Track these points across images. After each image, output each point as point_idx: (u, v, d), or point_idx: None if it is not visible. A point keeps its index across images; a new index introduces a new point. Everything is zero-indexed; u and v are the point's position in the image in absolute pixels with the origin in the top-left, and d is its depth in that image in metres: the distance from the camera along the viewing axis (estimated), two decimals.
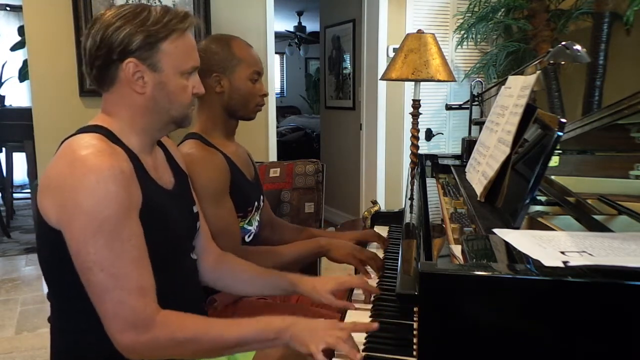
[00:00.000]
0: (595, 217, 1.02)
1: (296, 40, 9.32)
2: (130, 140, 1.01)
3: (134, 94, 0.99)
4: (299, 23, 8.36)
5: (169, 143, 1.19)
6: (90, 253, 0.88)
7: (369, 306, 1.15)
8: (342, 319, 1.12)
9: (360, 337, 0.98)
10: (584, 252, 0.74)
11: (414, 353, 0.89)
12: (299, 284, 1.18)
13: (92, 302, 0.91)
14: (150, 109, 1.01)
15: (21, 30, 4.12)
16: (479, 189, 1.16)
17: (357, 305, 1.15)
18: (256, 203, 1.47)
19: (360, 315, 1.11)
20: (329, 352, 0.91)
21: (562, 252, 0.74)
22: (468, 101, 2.35)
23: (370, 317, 1.09)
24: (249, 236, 1.46)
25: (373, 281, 1.30)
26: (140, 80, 0.98)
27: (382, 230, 1.74)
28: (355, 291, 1.25)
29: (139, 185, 0.96)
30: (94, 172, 0.88)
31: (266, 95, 1.44)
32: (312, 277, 1.22)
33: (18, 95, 5.34)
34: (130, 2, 2.97)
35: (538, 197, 1.18)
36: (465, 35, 3.62)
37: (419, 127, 2.49)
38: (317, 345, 0.89)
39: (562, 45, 1.71)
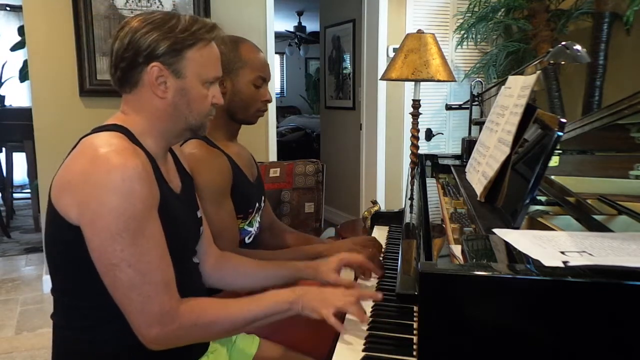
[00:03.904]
0: (595, 217, 1.02)
1: (296, 40, 9.31)
2: (147, 142, 1.02)
3: (155, 98, 1.01)
4: (299, 23, 8.36)
5: (175, 146, 1.20)
6: (117, 250, 0.89)
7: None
8: (342, 316, 1.12)
9: (360, 337, 0.99)
10: (584, 252, 0.74)
11: (414, 353, 0.89)
12: (303, 269, 1.23)
13: (115, 299, 0.92)
14: (169, 114, 1.03)
15: (21, 30, 4.11)
16: (479, 189, 1.15)
17: (359, 282, 1.23)
18: (257, 204, 1.47)
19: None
20: (340, 319, 0.99)
21: (562, 252, 0.73)
22: (468, 101, 2.35)
23: (370, 317, 1.09)
24: (249, 237, 1.46)
25: (372, 280, 1.31)
26: (163, 85, 1.00)
27: (382, 231, 1.74)
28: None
29: (157, 185, 0.97)
30: (118, 170, 0.89)
31: (269, 101, 1.43)
32: (314, 261, 1.26)
33: (18, 95, 5.34)
34: (129, 5, 2.97)
35: (538, 197, 1.18)
36: (465, 35, 3.62)
37: (419, 127, 2.48)
38: (327, 310, 0.98)
39: (562, 45, 1.71)
